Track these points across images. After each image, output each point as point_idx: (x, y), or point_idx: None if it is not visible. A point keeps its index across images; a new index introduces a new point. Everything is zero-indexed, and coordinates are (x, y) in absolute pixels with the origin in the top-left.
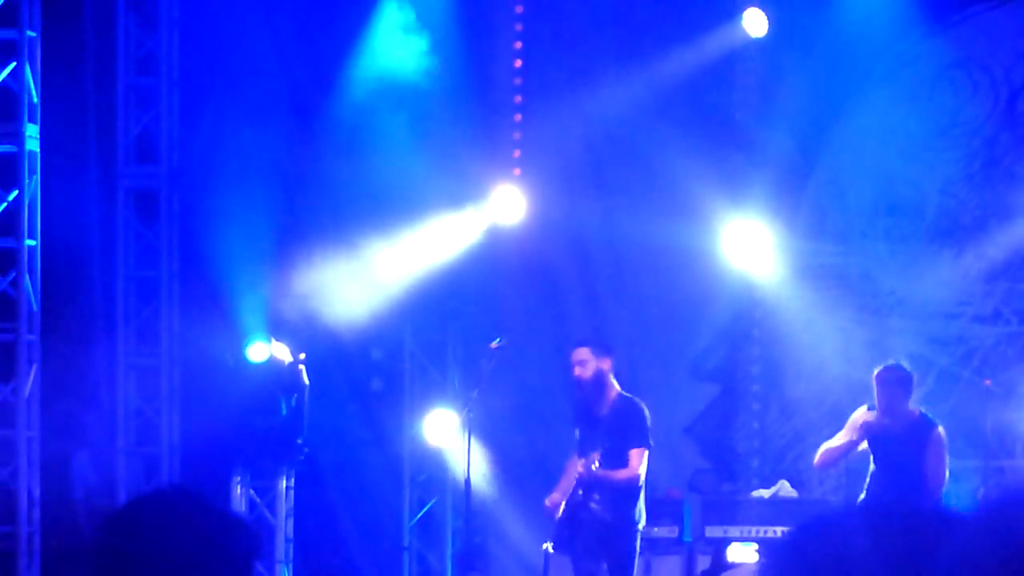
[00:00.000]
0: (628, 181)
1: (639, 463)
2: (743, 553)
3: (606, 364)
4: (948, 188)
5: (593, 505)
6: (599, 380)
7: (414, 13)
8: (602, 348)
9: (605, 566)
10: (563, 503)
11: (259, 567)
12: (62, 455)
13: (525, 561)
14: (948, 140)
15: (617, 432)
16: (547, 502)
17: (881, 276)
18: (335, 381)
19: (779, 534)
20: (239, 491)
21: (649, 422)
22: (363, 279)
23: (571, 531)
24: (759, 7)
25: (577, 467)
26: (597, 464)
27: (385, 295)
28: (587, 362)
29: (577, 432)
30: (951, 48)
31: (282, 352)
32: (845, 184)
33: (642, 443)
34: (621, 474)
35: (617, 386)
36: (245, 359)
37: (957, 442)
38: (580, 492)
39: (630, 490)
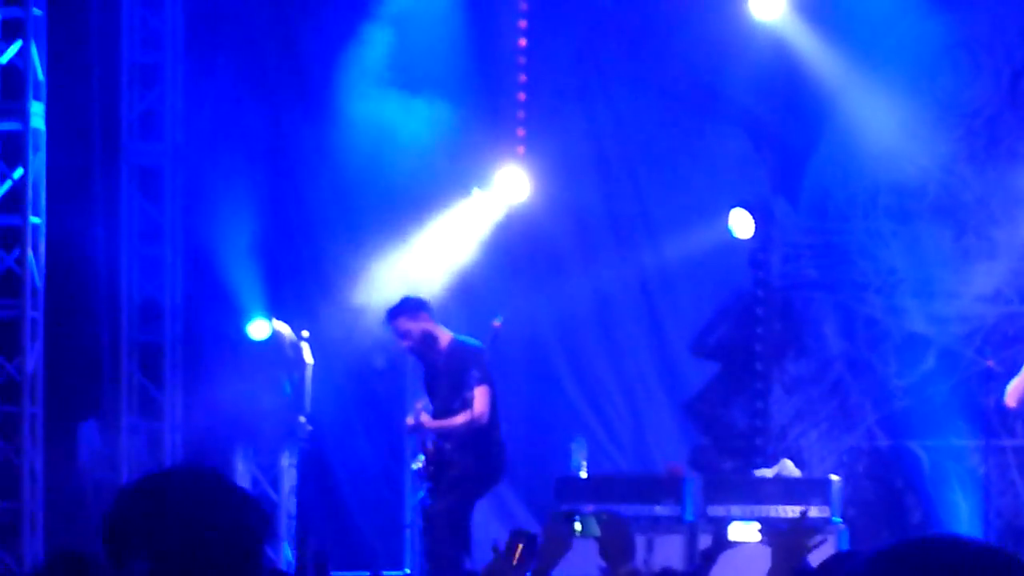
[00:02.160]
0: (630, 159)
1: (481, 404)
2: (745, 532)
3: (426, 321)
4: (950, 167)
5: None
6: (428, 338)
7: None
8: (411, 310)
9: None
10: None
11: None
12: (68, 428)
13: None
14: (950, 119)
15: (453, 376)
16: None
17: (882, 254)
18: (337, 358)
19: (783, 514)
20: (242, 468)
21: (485, 358)
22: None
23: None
24: None
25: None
26: (425, 417)
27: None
28: (409, 331)
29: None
30: (954, 28)
31: (284, 330)
32: (847, 162)
33: (479, 382)
34: (459, 419)
35: (448, 333)
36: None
37: (958, 422)
38: (430, 447)
39: (474, 433)
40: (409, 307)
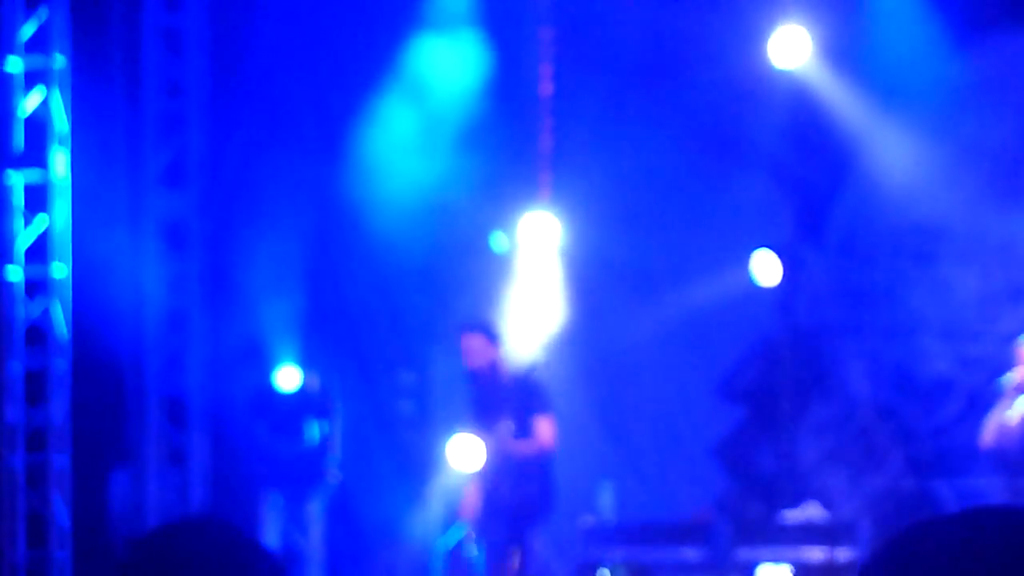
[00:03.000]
0: (655, 206)
1: (550, 433)
2: (775, 573)
3: (499, 349)
4: (975, 209)
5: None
6: (494, 366)
7: (447, 40)
8: (492, 335)
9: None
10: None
11: None
12: (97, 478)
13: None
14: (974, 161)
15: (521, 402)
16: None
17: (908, 295)
18: (365, 405)
19: (812, 556)
20: (270, 517)
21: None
22: None
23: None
24: (791, 33)
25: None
26: (506, 432)
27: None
28: (481, 352)
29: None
30: (977, 69)
31: (312, 378)
32: (871, 205)
33: (547, 410)
34: (531, 445)
35: (513, 359)
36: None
37: (982, 463)
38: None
39: (539, 462)
40: (491, 331)
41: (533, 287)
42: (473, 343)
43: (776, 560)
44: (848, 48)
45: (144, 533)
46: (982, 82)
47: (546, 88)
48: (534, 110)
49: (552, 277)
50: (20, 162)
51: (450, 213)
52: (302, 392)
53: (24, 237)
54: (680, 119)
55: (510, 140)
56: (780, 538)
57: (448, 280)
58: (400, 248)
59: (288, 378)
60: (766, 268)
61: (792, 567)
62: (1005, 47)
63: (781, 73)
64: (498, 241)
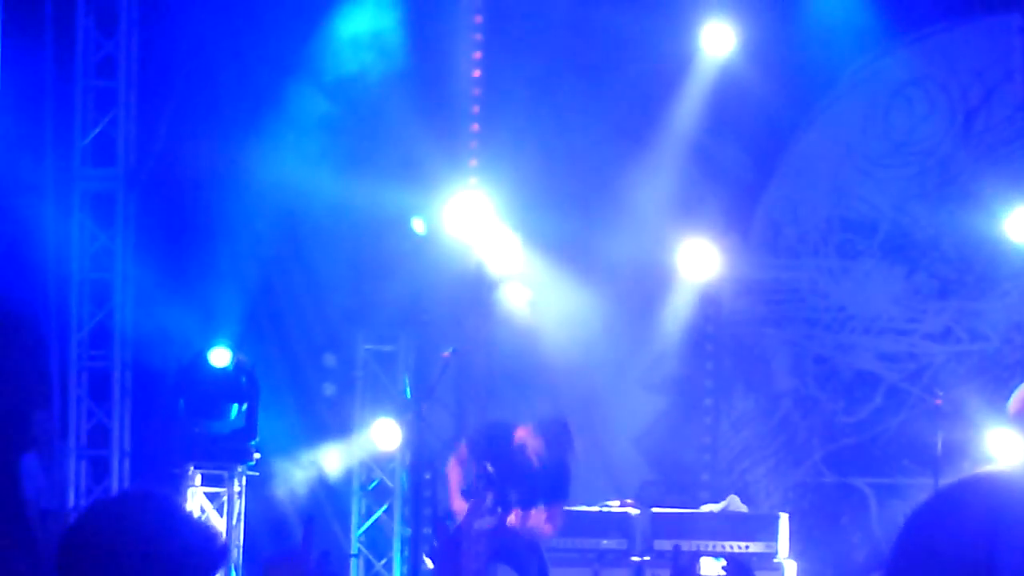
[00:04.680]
0: (583, 192)
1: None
2: (712, 567)
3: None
4: (902, 205)
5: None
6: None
7: (372, 21)
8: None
9: None
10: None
11: None
12: (10, 457)
13: None
14: (903, 157)
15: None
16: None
17: (833, 291)
18: (286, 387)
19: (729, 549)
20: (190, 495)
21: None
22: None
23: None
24: (719, 24)
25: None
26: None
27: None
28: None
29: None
30: (908, 66)
31: (237, 358)
32: (799, 199)
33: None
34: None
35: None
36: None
37: (903, 460)
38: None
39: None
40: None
41: (458, 270)
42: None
43: (696, 552)
44: (777, 41)
45: (83, 509)
46: (914, 78)
47: (475, 72)
48: (463, 93)
49: (479, 259)
50: None
51: (376, 196)
52: (226, 371)
53: None
54: (609, 107)
55: (438, 123)
56: (701, 531)
57: (373, 263)
58: (325, 230)
59: (217, 357)
60: (692, 259)
61: (725, 560)
62: (937, 43)
63: (710, 64)
64: (416, 225)
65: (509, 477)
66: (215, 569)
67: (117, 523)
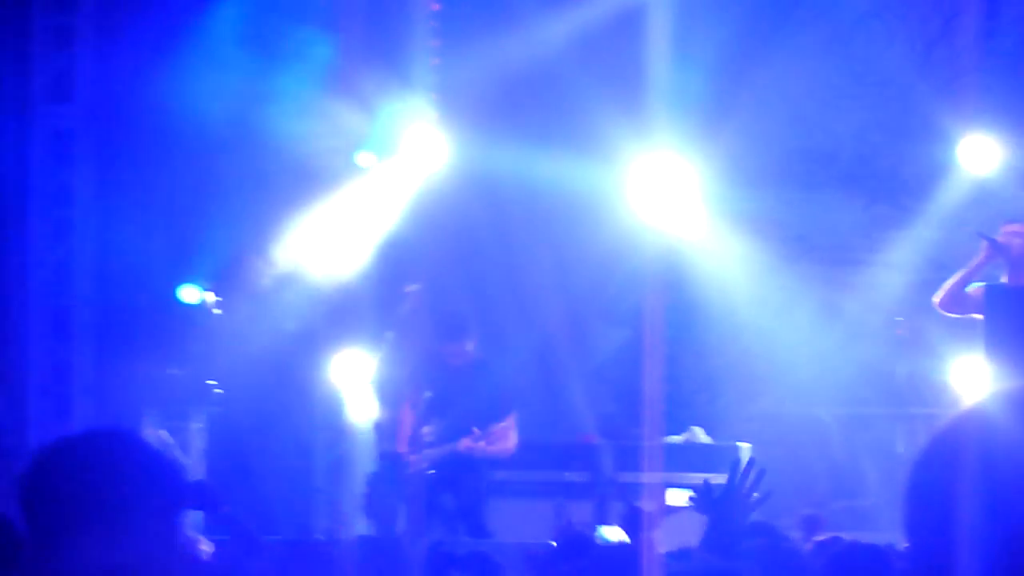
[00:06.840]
0: (544, 124)
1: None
2: (679, 497)
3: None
4: (862, 136)
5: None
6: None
7: None
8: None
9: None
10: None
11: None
12: None
13: None
14: (864, 88)
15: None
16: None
17: (793, 222)
18: (250, 324)
19: (693, 481)
20: (151, 432)
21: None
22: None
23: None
24: None
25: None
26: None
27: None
28: (468, 353)
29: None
30: None
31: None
32: (760, 130)
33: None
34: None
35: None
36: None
37: (866, 390)
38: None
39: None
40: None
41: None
42: (467, 348)
43: (657, 484)
44: None
45: (47, 444)
46: (873, 9)
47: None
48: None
49: (437, 193)
50: None
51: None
52: (195, 310)
53: None
54: (570, 34)
55: (397, 55)
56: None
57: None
58: (285, 162)
59: (189, 294)
60: (649, 189)
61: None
62: None
63: None
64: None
65: (448, 402)
66: (183, 506)
67: (83, 460)
